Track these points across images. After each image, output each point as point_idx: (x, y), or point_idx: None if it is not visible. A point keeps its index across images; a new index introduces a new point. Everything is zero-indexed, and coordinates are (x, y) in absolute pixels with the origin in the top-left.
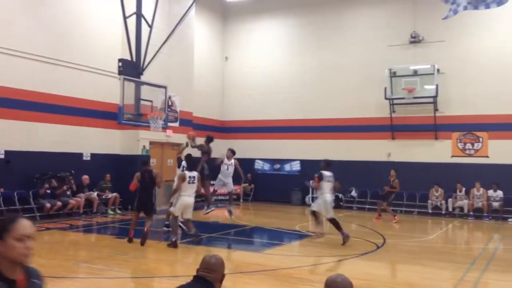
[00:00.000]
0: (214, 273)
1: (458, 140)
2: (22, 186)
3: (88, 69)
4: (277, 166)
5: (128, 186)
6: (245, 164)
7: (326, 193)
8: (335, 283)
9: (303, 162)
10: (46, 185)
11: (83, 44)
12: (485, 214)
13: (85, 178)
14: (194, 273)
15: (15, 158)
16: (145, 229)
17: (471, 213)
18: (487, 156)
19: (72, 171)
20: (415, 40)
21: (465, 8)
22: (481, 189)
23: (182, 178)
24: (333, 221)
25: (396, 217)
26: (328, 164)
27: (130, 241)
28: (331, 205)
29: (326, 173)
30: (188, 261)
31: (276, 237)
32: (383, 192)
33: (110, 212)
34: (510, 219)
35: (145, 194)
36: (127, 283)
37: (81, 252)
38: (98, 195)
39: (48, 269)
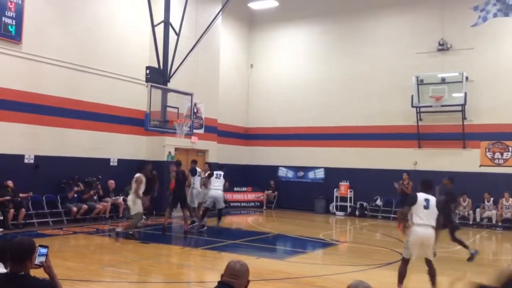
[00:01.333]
0: (239, 279)
1: (487, 149)
2: (51, 190)
3: (116, 76)
4: (301, 173)
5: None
6: (269, 171)
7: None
8: None
9: (327, 170)
10: (76, 188)
11: (112, 52)
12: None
13: (111, 182)
14: (219, 279)
15: (44, 163)
16: (185, 226)
17: (500, 223)
18: None
19: (100, 176)
20: (443, 47)
21: (495, 15)
22: (510, 199)
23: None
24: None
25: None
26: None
27: (164, 231)
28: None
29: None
30: (212, 266)
31: (300, 245)
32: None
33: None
34: None
35: (179, 191)
36: None
37: (107, 256)
38: (124, 200)
39: (75, 273)
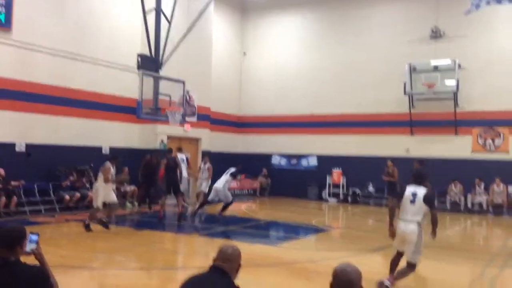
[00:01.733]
0: (231, 263)
1: (479, 136)
2: (42, 178)
3: (108, 64)
4: (294, 161)
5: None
6: (262, 159)
7: None
8: (344, 271)
9: (320, 157)
10: (71, 178)
11: (103, 40)
12: (505, 211)
13: None
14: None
15: (36, 151)
16: (179, 209)
17: (491, 209)
18: (508, 152)
19: (92, 164)
20: (436, 35)
21: (488, 3)
22: (501, 184)
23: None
24: None
25: None
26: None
27: (161, 218)
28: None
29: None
30: (205, 252)
31: (292, 231)
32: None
33: (128, 204)
34: None
35: (170, 177)
36: (145, 274)
37: (100, 243)
38: (116, 188)
39: (67, 260)
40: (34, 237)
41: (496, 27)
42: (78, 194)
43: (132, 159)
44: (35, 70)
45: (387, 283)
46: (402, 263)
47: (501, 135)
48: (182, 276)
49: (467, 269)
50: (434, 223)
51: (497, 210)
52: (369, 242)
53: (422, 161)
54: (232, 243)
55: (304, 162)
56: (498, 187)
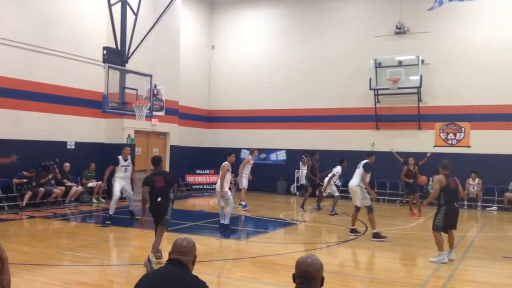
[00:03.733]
0: (187, 256)
1: (441, 130)
2: (4, 175)
3: (72, 57)
4: (263, 155)
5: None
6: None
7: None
8: (305, 264)
9: (288, 152)
10: (51, 175)
11: (67, 32)
12: (465, 203)
13: (66, 165)
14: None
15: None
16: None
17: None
18: (469, 146)
19: (56, 160)
20: (400, 31)
21: (451, 0)
22: (477, 179)
23: None
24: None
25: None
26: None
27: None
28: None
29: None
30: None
31: (261, 225)
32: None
33: (95, 201)
34: (488, 208)
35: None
36: (110, 270)
37: (65, 240)
38: (82, 183)
39: (31, 257)
40: None
41: (458, 24)
42: (42, 189)
43: (98, 154)
44: None
45: None
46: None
47: (463, 129)
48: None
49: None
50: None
51: (470, 203)
52: (335, 235)
53: (370, 154)
54: (201, 239)
55: (273, 157)
56: (474, 181)
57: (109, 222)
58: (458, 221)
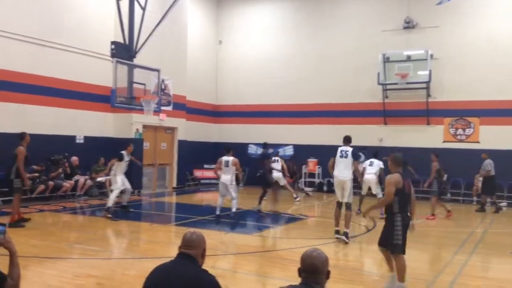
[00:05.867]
0: (196, 249)
1: (450, 126)
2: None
3: (81, 52)
4: (270, 150)
5: None
6: (238, 149)
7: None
8: (310, 257)
9: (296, 147)
10: (60, 170)
11: (76, 27)
12: (474, 199)
13: (75, 159)
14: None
15: (7, 140)
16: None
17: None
18: (478, 142)
19: (66, 154)
20: (408, 25)
21: None
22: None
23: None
24: None
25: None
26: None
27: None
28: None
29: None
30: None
31: (268, 220)
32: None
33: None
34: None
35: None
36: (120, 264)
37: (75, 234)
38: (91, 178)
39: (41, 250)
40: (0, 228)
41: (468, 18)
42: (51, 183)
43: (107, 149)
44: (5, 57)
45: None
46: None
47: (472, 125)
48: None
49: (434, 256)
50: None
51: (479, 199)
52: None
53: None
54: (209, 233)
55: (280, 152)
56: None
57: (110, 215)
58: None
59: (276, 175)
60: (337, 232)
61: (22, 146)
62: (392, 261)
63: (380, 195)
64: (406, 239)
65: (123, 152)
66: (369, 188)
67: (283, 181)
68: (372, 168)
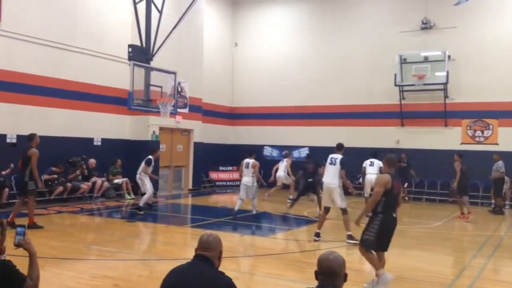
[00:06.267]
0: (212, 251)
1: (468, 127)
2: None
3: (98, 55)
4: (286, 152)
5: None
6: (254, 151)
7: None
8: (327, 260)
9: (312, 149)
10: (78, 171)
11: (93, 30)
12: (492, 201)
13: (92, 161)
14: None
15: (27, 142)
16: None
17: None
18: (497, 144)
19: (84, 156)
20: (426, 26)
21: None
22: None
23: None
24: None
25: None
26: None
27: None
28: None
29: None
30: (196, 244)
31: (284, 222)
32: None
33: (128, 197)
34: None
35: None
36: (136, 265)
37: (92, 235)
38: (108, 180)
39: (59, 251)
40: (20, 230)
41: (486, 18)
42: (69, 185)
43: (124, 151)
44: (24, 60)
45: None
46: None
47: (490, 126)
48: (173, 267)
49: (455, 259)
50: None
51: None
52: (359, 233)
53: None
54: (225, 235)
55: (295, 154)
56: (506, 184)
57: (142, 212)
58: (392, 239)
59: (279, 174)
60: (317, 234)
61: (33, 148)
62: (370, 258)
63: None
64: (389, 239)
65: (150, 157)
66: (372, 189)
67: (289, 180)
68: (372, 168)
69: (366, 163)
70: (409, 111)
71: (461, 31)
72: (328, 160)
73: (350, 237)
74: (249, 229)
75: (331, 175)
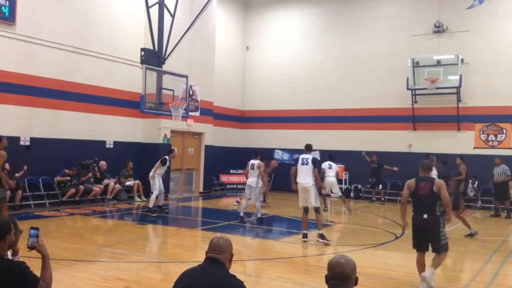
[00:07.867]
0: (223, 254)
1: (481, 132)
2: (46, 172)
3: (111, 58)
4: (296, 156)
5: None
6: (265, 154)
7: None
8: (339, 264)
9: (322, 153)
10: (90, 174)
11: (106, 34)
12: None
13: (103, 164)
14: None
15: (40, 145)
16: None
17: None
18: (510, 148)
19: (96, 159)
20: (439, 29)
21: None
22: None
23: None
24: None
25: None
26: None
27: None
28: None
29: None
30: (207, 247)
31: (294, 226)
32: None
33: (138, 199)
34: None
35: None
36: (147, 267)
37: (103, 237)
38: (120, 182)
39: (72, 253)
40: (34, 232)
41: (499, 22)
42: (82, 187)
43: (136, 154)
44: (39, 64)
45: None
46: None
47: (504, 130)
48: (184, 269)
49: (468, 264)
50: None
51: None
52: (370, 237)
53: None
54: (235, 238)
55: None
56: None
57: (155, 215)
58: (429, 238)
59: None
60: (305, 235)
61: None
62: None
63: (340, 194)
64: (420, 238)
65: (167, 157)
66: (331, 190)
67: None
68: (331, 171)
69: (325, 165)
70: (422, 115)
71: (474, 35)
72: (300, 161)
73: (321, 236)
74: (260, 232)
75: (304, 175)
